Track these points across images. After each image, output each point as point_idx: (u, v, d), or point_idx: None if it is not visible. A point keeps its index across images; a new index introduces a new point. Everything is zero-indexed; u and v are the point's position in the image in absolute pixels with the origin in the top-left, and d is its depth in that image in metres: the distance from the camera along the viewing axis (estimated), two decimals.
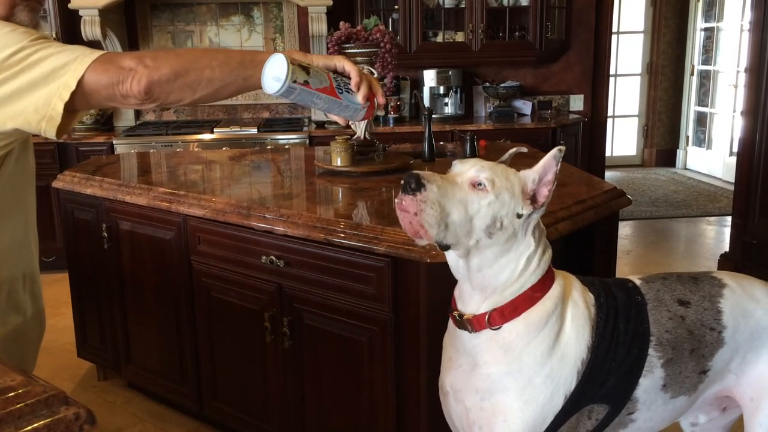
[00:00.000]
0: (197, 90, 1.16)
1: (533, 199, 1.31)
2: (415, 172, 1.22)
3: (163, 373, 2.68)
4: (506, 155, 1.42)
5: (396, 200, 1.24)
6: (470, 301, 1.36)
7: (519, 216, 1.29)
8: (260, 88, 1.19)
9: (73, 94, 1.10)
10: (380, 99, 1.25)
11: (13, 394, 0.70)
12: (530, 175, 1.31)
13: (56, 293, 3.61)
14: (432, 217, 1.20)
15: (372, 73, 2.70)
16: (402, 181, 1.22)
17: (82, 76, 1.10)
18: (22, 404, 0.68)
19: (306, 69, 1.17)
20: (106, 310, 2.82)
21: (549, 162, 1.29)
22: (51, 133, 1.12)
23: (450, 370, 1.43)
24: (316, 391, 2.16)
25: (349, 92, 1.23)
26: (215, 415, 2.54)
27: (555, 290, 1.36)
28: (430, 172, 1.25)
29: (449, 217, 1.23)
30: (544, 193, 1.31)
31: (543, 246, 1.36)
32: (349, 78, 1.23)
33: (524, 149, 1.42)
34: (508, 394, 1.33)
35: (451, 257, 1.35)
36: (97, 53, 1.13)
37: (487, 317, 1.32)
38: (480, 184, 1.26)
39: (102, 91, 1.12)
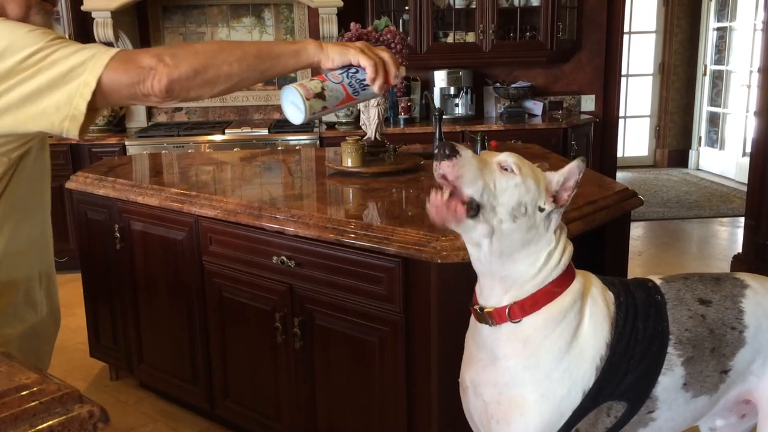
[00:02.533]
0: (216, 86, 1.19)
1: (555, 199, 1.34)
2: (448, 141, 1.28)
3: (175, 373, 2.69)
4: None
5: (434, 171, 1.27)
6: (491, 294, 1.37)
7: (541, 210, 1.32)
8: (276, 77, 1.24)
9: (94, 93, 1.11)
10: (392, 80, 1.28)
11: (28, 392, 0.70)
12: (554, 176, 1.35)
13: (69, 293, 3.63)
14: (471, 173, 1.24)
15: None
16: (436, 150, 1.26)
17: (101, 75, 1.11)
18: (36, 402, 0.69)
19: (321, 95, 1.21)
20: (118, 310, 2.84)
21: (573, 169, 1.33)
22: (74, 133, 1.13)
23: (470, 366, 1.44)
24: (327, 391, 2.17)
25: (364, 88, 1.25)
26: (227, 415, 2.55)
27: (575, 286, 1.37)
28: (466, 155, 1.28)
29: (482, 183, 1.26)
30: (564, 196, 1.34)
31: (564, 243, 1.38)
32: (364, 69, 1.25)
33: (546, 165, 1.44)
34: (525, 387, 1.34)
35: (473, 244, 1.34)
36: (113, 50, 1.14)
37: (507, 310, 1.34)
38: (507, 168, 1.29)
39: (123, 90, 1.14)
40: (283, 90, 1.23)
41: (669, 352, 1.41)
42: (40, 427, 0.67)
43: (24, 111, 1.11)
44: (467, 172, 1.24)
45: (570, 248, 1.39)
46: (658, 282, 1.50)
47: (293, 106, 1.21)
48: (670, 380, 1.42)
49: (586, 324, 1.37)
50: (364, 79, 1.24)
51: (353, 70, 1.25)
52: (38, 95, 1.11)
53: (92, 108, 1.12)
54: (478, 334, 1.40)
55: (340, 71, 1.25)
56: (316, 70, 1.27)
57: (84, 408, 0.70)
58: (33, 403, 0.69)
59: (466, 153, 1.25)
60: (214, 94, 1.20)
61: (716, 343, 1.44)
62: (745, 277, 1.54)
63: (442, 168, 1.25)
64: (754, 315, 1.46)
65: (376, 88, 1.24)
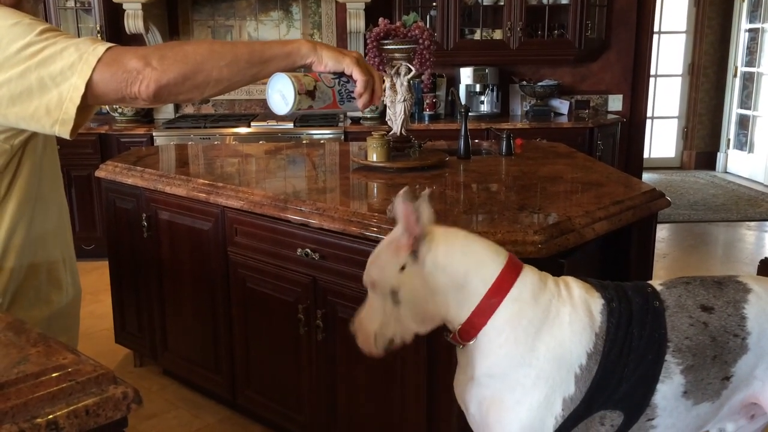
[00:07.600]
0: (205, 90, 1.18)
1: (416, 238, 1.33)
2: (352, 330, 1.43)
3: (198, 362, 2.73)
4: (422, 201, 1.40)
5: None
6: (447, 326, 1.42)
7: (403, 268, 1.34)
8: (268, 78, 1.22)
9: (83, 96, 1.10)
10: (376, 101, 1.28)
11: (64, 372, 0.72)
12: (398, 229, 1.35)
13: (95, 280, 3.70)
14: (377, 340, 1.40)
15: (409, 70, 2.70)
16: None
17: (90, 77, 1.10)
18: (73, 382, 0.71)
19: (312, 93, 1.19)
20: (144, 298, 2.88)
21: (404, 209, 1.31)
22: (65, 135, 1.13)
23: (458, 383, 1.48)
24: (348, 384, 2.18)
25: (350, 100, 1.24)
26: (248, 404, 2.58)
27: (516, 291, 1.34)
28: (356, 317, 1.43)
29: (382, 329, 1.39)
30: (416, 230, 1.33)
31: (457, 251, 1.36)
32: (354, 82, 1.23)
33: (427, 190, 1.43)
34: (499, 395, 1.36)
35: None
36: (100, 49, 1.11)
37: (457, 333, 1.37)
38: (372, 285, 1.39)
39: (110, 93, 1.13)
40: (274, 76, 1.19)
41: (667, 359, 1.38)
42: (76, 406, 0.69)
43: (13, 110, 1.11)
44: (367, 337, 1.41)
45: (485, 257, 1.36)
46: (658, 287, 1.47)
47: (280, 95, 1.19)
48: (668, 388, 1.39)
49: (563, 330, 1.34)
50: (353, 92, 1.23)
51: (344, 79, 1.24)
52: (28, 95, 1.10)
53: (83, 107, 1.11)
54: (459, 353, 1.45)
55: (332, 77, 1.23)
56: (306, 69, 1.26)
57: (118, 389, 0.72)
58: (70, 383, 0.71)
59: (358, 334, 1.43)
60: (204, 96, 1.20)
61: (718, 351, 1.41)
62: (748, 280, 1.50)
63: (366, 349, 1.43)
64: (756, 321, 1.43)
65: (360, 103, 1.24)
